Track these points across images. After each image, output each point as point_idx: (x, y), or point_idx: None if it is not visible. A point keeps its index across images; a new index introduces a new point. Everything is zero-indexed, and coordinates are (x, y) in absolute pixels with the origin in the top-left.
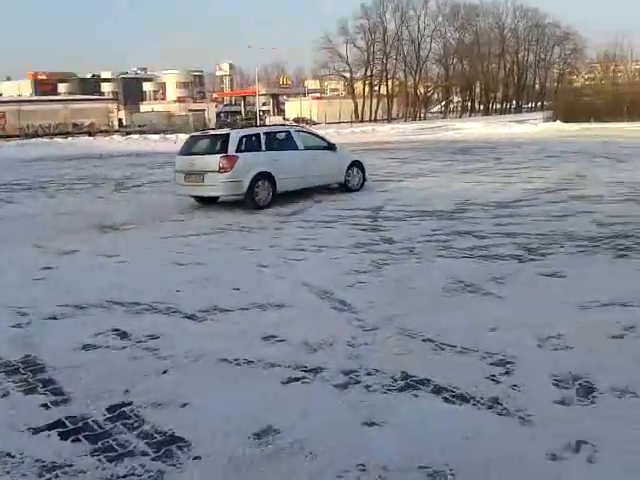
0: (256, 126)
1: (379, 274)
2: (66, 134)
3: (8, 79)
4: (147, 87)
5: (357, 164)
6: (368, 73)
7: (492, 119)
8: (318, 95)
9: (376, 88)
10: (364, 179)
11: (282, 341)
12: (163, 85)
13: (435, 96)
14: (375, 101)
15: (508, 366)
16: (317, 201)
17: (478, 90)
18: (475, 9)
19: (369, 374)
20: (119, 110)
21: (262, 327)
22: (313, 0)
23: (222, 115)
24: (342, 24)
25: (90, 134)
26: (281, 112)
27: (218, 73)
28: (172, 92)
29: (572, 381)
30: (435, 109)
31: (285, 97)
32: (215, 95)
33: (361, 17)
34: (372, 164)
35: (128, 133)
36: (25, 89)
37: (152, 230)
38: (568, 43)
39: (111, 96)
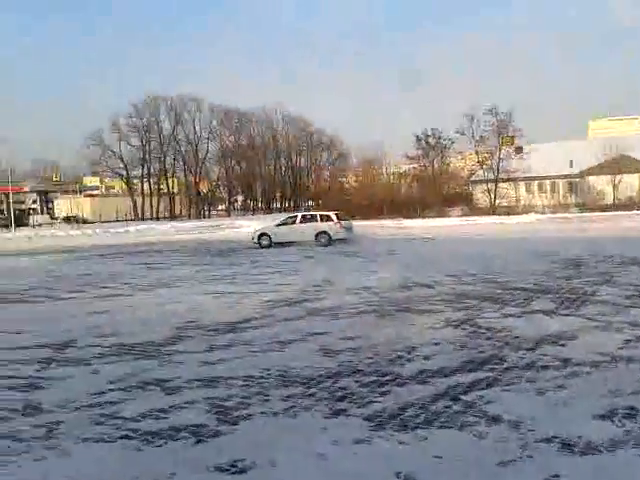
0: None
1: None
2: None
3: None
4: None
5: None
6: (145, 171)
7: (272, 217)
8: (92, 193)
9: (156, 186)
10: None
11: None
12: None
13: (220, 194)
14: (156, 199)
15: None
16: None
17: (259, 189)
18: (247, 115)
19: None
20: None
21: None
22: (82, 96)
23: None
24: (113, 121)
25: None
26: (50, 210)
27: None
28: None
29: None
30: (221, 207)
31: (59, 194)
32: None
33: (133, 116)
34: (116, 272)
35: None
36: None
37: None
38: (334, 149)
39: None
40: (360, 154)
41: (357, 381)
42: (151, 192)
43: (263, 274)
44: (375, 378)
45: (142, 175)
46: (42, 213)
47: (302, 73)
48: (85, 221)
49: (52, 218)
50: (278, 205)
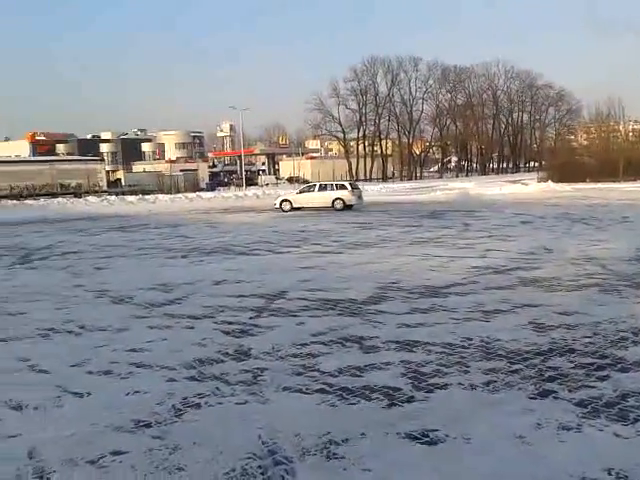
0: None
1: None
2: (52, 195)
3: (6, 140)
4: (146, 148)
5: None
6: (361, 133)
7: (487, 179)
8: (312, 155)
9: (371, 148)
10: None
11: None
12: (161, 146)
13: (433, 155)
14: (370, 160)
15: None
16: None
17: (475, 150)
18: (466, 71)
19: None
20: (117, 170)
21: None
22: (307, 62)
23: (222, 174)
24: (333, 86)
25: (76, 195)
26: (276, 171)
27: (219, 134)
28: (171, 152)
29: None
30: (433, 168)
31: (284, 156)
32: (210, 155)
33: (352, 80)
34: (327, 229)
35: (118, 194)
36: (22, 150)
37: None
38: (563, 104)
39: (110, 157)
40: (593, 110)
41: (571, 361)
42: (365, 154)
43: (474, 238)
44: (592, 360)
45: (358, 137)
46: (269, 174)
47: (526, 25)
48: (306, 181)
49: (277, 179)
50: (495, 166)
